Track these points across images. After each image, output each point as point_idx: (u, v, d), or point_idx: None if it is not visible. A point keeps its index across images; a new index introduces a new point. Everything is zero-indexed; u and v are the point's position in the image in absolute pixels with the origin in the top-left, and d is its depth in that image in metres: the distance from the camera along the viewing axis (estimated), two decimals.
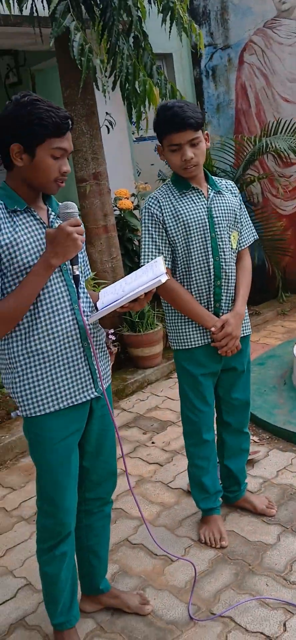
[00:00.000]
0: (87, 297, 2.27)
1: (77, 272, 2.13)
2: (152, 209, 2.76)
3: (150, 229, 2.76)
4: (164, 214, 2.74)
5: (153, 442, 4.16)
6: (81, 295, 2.21)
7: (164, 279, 2.12)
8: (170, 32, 4.69)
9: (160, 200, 2.76)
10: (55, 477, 2.24)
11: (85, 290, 2.29)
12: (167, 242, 2.75)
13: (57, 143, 2.08)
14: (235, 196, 2.90)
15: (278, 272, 6.77)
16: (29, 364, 2.15)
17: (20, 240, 2.08)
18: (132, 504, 3.39)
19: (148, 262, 2.69)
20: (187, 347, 2.84)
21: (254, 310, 6.76)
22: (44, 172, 2.10)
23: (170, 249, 2.76)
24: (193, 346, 2.83)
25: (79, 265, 2.16)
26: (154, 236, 2.75)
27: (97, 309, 2.25)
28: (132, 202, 6.06)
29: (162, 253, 2.73)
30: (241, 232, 2.91)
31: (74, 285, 2.18)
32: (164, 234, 2.75)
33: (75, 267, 2.13)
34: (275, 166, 6.57)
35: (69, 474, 2.27)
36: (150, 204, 2.78)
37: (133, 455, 4.00)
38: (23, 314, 2.08)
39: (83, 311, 2.21)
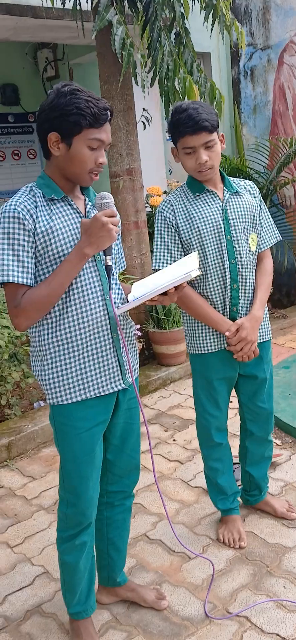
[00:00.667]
0: (119, 289, 2.29)
1: (110, 263, 2.14)
2: (165, 212, 2.73)
3: (162, 232, 2.73)
4: (177, 218, 2.70)
5: (174, 440, 4.15)
6: (113, 286, 2.23)
7: (195, 273, 2.11)
8: (211, 30, 4.67)
9: (173, 204, 2.73)
10: (79, 467, 2.25)
11: (118, 282, 2.31)
12: (180, 246, 2.72)
13: (94, 134, 2.09)
14: (254, 197, 2.84)
15: None
16: (59, 352, 2.17)
17: (56, 229, 2.11)
18: (152, 500, 3.40)
19: (159, 267, 2.68)
20: (202, 352, 2.81)
21: (281, 314, 6.71)
22: (80, 163, 2.12)
23: (182, 254, 2.71)
24: (208, 351, 2.79)
25: (113, 256, 2.17)
26: (166, 240, 2.72)
27: (128, 302, 2.26)
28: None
29: (174, 258, 2.69)
30: (260, 234, 2.85)
31: (107, 276, 2.19)
32: (177, 238, 2.71)
33: (108, 257, 2.13)
34: None
35: (93, 465, 2.28)
36: (164, 207, 2.75)
37: (154, 452, 3.99)
38: (55, 302, 2.10)
39: (115, 302, 2.22)
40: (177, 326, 5.20)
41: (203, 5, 4.54)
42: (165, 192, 6.27)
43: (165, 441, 4.14)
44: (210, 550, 2.92)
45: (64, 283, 2.08)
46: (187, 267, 2.24)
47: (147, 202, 5.84)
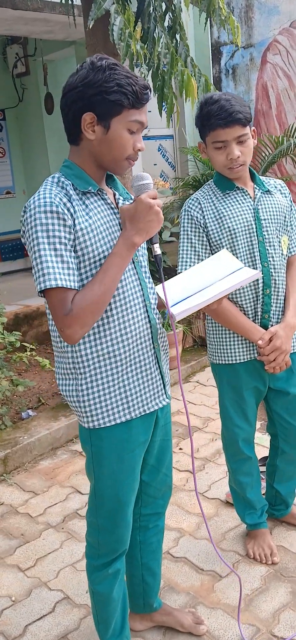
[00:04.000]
0: (154, 293, 2.08)
1: (159, 252, 1.90)
2: (193, 211, 2.54)
3: (189, 233, 2.54)
4: (206, 217, 2.52)
5: (180, 449, 3.98)
6: (150, 290, 2.02)
7: (258, 275, 1.95)
8: (205, 23, 4.52)
9: (201, 202, 2.54)
10: (118, 493, 2.04)
11: (153, 284, 2.10)
12: (208, 247, 2.52)
13: (135, 115, 1.85)
14: (285, 197, 2.66)
15: None
16: (100, 368, 1.92)
17: (96, 226, 1.85)
18: (169, 514, 3.19)
19: (186, 268, 2.48)
20: (230, 362, 2.63)
21: None
22: (118, 147, 1.87)
23: (210, 255, 2.52)
24: (237, 361, 2.61)
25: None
26: (193, 241, 2.53)
27: (168, 304, 2.04)
28: None
29: (202, 260, 2.49)
30: (291, 236, 2.68)
31: (146, 273, 1.99)
32: (205, 239, 2.52)
33: (156, 245, 1.90)
34: (293, 169, 6.42)
35: (132, 489, 2.08)
36: (191, 205, 2.55)
37: None
38: (108, 302, 1.84)
39: (153, 308, 2.01)
40: (171, 330, 5.01)
41: None
42: None
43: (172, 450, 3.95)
44: (241, 567, 2.76)
45: (115, 279, 1.83)
46: (229, 265, 2.08)
47: None
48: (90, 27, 3.92)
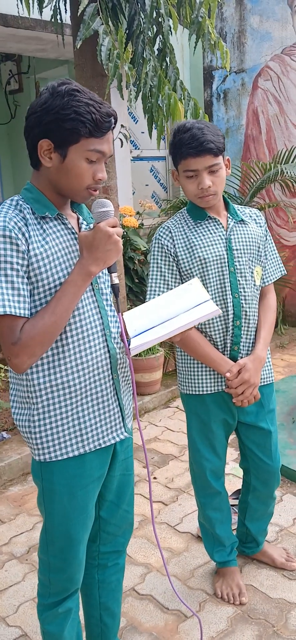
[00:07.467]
0: (116, 321, 2.00)
1: (117, 281, 1.84)
2: (163, 240, 2.48)
3: (159, 261, 2.48)
4: (177, 246, 2.46)
5: (155, 478, 3.88)
6: (111, 319, 1.95)
7: (218, 312, 1.88)
8: (195, 48, 4.49)
9: (172, 231, 2.49)
10: (69, 530, 1.94)
11: (115, 313, 2.01)
12: (178, 276, 2.47)
13: (94, 144, 1.78)
14: (260, 227, 2.60)
15: (278, 304, 6.58)
16: (53, 399, 1.84)
17: (52, 252, 1.79)
18: (137, 548, 3.11)
19: (154, 297, 2.42)
20: (197, 392, 2.56)
21: None
22: (76, 177, 1.80)
23: (180, 285, 2.45)
24: (205, 392, 2.54)
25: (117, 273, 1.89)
26: (163, 270, 2.47)
27: (128, 336, 1.96)
28: (137, 220, 5.83)
29: (171, 289, 2.44)
30: (265, 267, 2.62)
31: (107, 301, 1.93)
32: (175, 268, 2.47)
33: (114, 275, 1.84)
34: (281, 195, 6.40)
35: (84, 526, 1.98)
36: (161, 234, 2.50)
37: (134, 492, 3.71)
38: (59, 333, 1.77)
39: (114, 338, 1.93)
40: (153, 353, 4.95)
41: (189, 22, 4.34)
42: (138, 213, 6.04)
43: (144, 479, 3.86)
44: (208, 607, 2.66)
45: (69, 309, 1.77)
46: (195, 297, 2.01)
47: (120, 223, 5.59)
48: (78, 47, 3.88)
